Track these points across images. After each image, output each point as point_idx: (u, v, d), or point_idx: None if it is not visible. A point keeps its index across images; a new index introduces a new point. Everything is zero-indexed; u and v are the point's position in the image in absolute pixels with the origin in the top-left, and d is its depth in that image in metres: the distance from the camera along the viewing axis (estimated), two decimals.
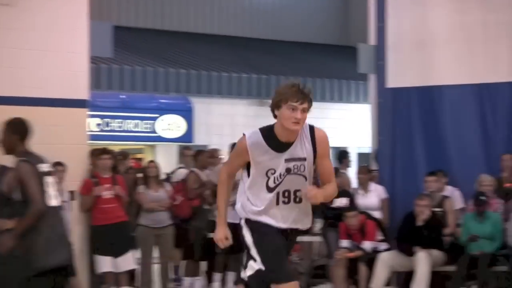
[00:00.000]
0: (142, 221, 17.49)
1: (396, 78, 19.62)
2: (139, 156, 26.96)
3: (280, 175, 7.68)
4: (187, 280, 18.56)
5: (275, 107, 7.85)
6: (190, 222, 18.18)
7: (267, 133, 7.71)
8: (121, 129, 28.12)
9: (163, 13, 30.72)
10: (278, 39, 33.43)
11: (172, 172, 20.69)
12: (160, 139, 29.22)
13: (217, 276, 17.74)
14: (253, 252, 7.88)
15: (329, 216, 17.46)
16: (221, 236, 7.87)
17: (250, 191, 7.84)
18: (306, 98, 7.43)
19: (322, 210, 17.45)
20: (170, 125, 29.50)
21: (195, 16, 32.32)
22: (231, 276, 17.11)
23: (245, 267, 7.83)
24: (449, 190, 17.81)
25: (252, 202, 7.70)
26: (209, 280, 17.57)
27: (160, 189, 17.60)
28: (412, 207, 16.65)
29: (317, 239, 18.50)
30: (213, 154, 20.27)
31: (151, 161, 20.32)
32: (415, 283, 15.94)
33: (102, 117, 24.99)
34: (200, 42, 30.80)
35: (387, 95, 19.82)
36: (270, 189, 7.70)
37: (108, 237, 16.03)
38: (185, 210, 18.04)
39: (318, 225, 17.85)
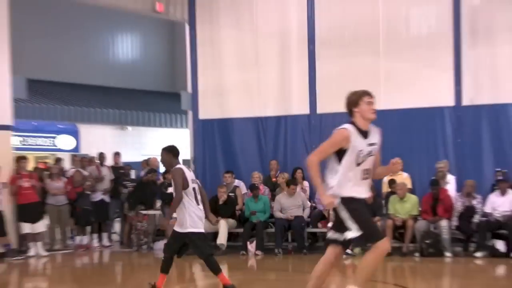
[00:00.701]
0: (49, 201, 23.05)
1: (204, 113, 25.07)
2: (46, 160, 29.56)
3: (364, 156, 9.52)
4: (78, 238, 24.27)
5: (353, 106, 9.86)
6: (76, 202, 23.51)
7: (354, 125, 9.61)
8: (34, 144, 31.60)
9: (60, 68, 30.72)
10: (130, 87, 34.06)
11: (66, 171, 25.50)
12: (59, 150, 32.67)
13: (94, 235, 23.72)
14: (349, 223, 9.59)
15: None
16: (330, 200, 9.51)
17: (345, 170, 9.47)
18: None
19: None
20: (65, 141, 33.55)
21: (81, 70, 31.95)
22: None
23: (344, 235, 9.46)
24: (237, 182, 23.43)
25: (348, 179, 9.33)
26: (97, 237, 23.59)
27: (59, 181, 23.24)
28: (217, 193, 22.03)
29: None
30: (91, 160, 25.55)
31: (54, 163, 25.20)
32: (219, 239, 20.90)
33: (22, 136, 28.58)
34: (81, 89, 31.68)
35: (199, 123, 25.67)
36: (358, 168, 9.53)
37: (27, 211, 21.78)
38: (73, 194, 23.42)
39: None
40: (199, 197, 13.75)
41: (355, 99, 9.82)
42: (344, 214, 9.59)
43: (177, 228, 13.76)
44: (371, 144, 9.68)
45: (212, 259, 13.78)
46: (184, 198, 13.40)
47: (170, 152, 14.30)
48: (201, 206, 13.79)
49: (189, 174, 14.04)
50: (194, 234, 13.50)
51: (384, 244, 9.61)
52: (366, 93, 10.10)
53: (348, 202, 9.50)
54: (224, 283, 13.82)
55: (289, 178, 23.16)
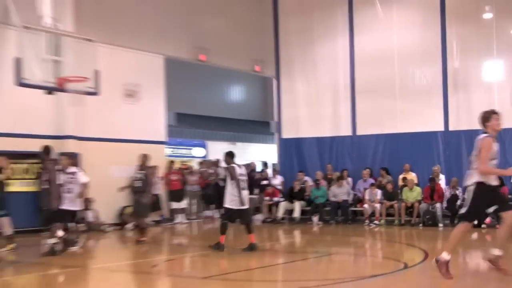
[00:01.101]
0: (188, 188, 27.06)
1: (285, 134, 30.35)
2: (186, 163, 31.74)
3: (497, 155, 11.03)
4: (205, 212, 28.59)
5: (485, 121, 11.19)
6: (204, 189, 28.01)
7: (489, 134, 11.06)
8: (179, 153, 35.18)
9: (196, 106, 34.06)
10: (239, 118, 37.47)
11: (199, 169, 29.42)
12: (194, 157, 36.01)
13: (215, 210, 27.13)
14: (467, 203, 11.17)
15: None
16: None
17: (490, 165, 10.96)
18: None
19: None
20: (198, 152, 37.03)
21: (209, 106, 35.71)
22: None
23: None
24: (306, 178, 27.84)
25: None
26: None
27: (194, 176, 27.47)
28: (293, 185, 26.58)
29: None
30: (214, 163, 28.97)
31: (190, 165, 29.15)
32: (294, 213, 26.06)
33: (171, 148, 31.17)
34: (209, 119, 36.04)
35: (282, 141, 30.58)
36: (492, 162, 11.05)
37: (175, 194, 26.46)
38: (203, 184, 27.83)
39: None
40: (243, 185, 16.65)
41: (487, 116, 11.39)
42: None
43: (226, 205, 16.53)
44: (497, 148, 11.34)
45: (251, 225, 16.90)
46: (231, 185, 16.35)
47: (229, 155, 17.23)
48: (244, 192, 16.55)
49: (239, 170, 16.77)
50: (234, 210, 16.54)
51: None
52: (494, 112, 11.70)
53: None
54: (251, 241, 16.51)
55: (338, 176, 26.97)
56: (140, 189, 19.03)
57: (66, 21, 21.43)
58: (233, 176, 16.39)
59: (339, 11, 28.93)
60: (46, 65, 17.90)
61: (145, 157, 18.68)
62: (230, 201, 16.51)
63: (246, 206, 16.65)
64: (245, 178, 16.81)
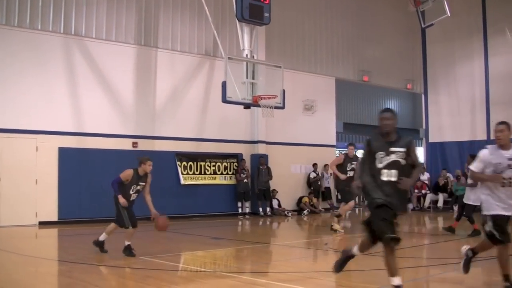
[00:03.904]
0: None
1: (431, 139, 30.54)
2: None
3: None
4: None
5: None
6: None
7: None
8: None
9: (358, 117, 33.15)
10: (375, 124, 40.08)
11: None
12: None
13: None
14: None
15: None
16: None
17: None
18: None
19: None
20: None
21: (363, 117, 34.26)
22: None
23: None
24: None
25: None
26: None
27: None
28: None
29: None
30: None
31: None
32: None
33: (339, 150, 29.11)
34: (369, 127, 34.10)
35: (429, 145, 30.83)
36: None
37: None
38: None
39: None
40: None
41: None
42: None
43: None
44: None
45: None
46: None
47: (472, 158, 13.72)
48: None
49: None
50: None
51: None
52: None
53: None
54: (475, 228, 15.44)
55: None
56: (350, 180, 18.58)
57: (259, 53, 22.80)
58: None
59: (475, 38, 28.90)
60: (245, 87, 18.87)
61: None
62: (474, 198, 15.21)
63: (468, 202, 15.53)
64: None
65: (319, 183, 25.51)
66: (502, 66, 27.77)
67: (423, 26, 28.55)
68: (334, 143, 27.36)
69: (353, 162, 16.30)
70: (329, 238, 16.00)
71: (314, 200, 25.03)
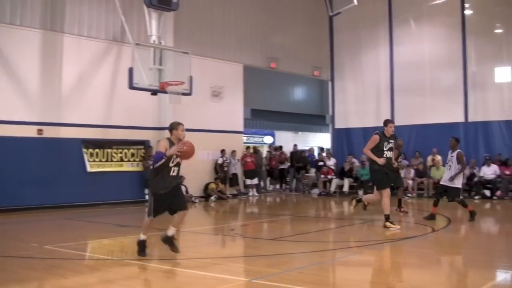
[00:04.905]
0: (263, 169, 27.38)
1: (337, 125, 30.80)
2: (258, 148, 30.82)
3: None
4: (271, 186, 29.00)
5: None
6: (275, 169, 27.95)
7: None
8: (253, 140, 35.70)
9: (267, 103, 34.26)
10: (301, 112, 37.33)
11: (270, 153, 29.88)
12: (265, 143, 36.87)
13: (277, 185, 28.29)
14: None
15: None
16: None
17: None
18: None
19: None
20: (268, 139, 37.84)
21: (278, 103, 36.02)
22: None
23: None
24: (354, 160, 27.92)
25: None
26: None
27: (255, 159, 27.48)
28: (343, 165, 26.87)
29: None
30: (279, 148, 29.90)
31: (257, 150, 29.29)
32: (344, 187, 26.62)
33: (247, 136, 31.39)
34: (276, 114, 36.31)
35: (335, 131, 30.98)
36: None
37: (249, 173, 26.74)
38: (276, 165, 28.38)
39: None
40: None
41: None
42: None
43: None
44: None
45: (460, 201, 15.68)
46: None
47: (457, 140, 15.89)
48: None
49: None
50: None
51: None
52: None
53: None
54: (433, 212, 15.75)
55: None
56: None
57: (167, 39, 22.53)
58: (462, 161, 15.35)
59: (381, 28, 29.53)
60: (152, 73, 18.87)
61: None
62: (459, 181, 15.55)
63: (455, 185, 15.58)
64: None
65: (225, 169, 25.62)
66: (406, 55, 28.73)
67: (330, 14, 28.91)
68: (241, 129, 27.49)
69: (391, 141, 14.08)
70: (236, 223, 16.36)
71: (222, 186, 25.11)
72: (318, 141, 36.29)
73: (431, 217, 15.69)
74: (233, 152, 25.86)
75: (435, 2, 28.14)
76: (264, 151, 32.66)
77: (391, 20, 29.33)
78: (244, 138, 28.24)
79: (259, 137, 36.93)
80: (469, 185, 24.12)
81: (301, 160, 29.25)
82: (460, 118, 27.23)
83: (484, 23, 26.80)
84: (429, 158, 26.22)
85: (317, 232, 13.82)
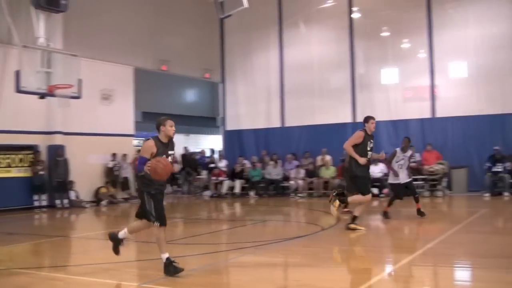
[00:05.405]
0: None
1: (229, 127, 31.03)
2: None
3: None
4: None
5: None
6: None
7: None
8: None
9: (159, 105, 32.52)
10: (192, 114, 35.58)
11: None
12: None
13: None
14: None
15: None
16: None
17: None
18: None
19: None
20: None
21: (168, 106, 33.88)
22: None
23: None
24: (245, 161, 28.14)
25: None
26: None
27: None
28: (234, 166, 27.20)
29: None
30: None
31: None
32: (235, 188, 26.80)
33: (138, 139, 29.60)
34: (169, 116, 38.93)
35: (226, 132, 31.10)
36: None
37: None
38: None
39: None
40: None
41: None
42: None
43: None
44: None
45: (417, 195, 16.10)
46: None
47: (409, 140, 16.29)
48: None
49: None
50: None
51: None
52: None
53: None
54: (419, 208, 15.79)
55: (274, 158, 27.59)
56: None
57: (56, 41, 22.04)
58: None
59: (271, 30, 29.89)
60: (40, 76, 18.57)
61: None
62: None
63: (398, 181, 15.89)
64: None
65: (116, 173, 25.36)
66: (296, 57, 29.17)
67: (221, 16, 28.92)
68: (132, 132, 27.26)
69: (372, 141, 13.35)
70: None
71: (113, 190, 24.84)
72: (210, 143, 35.98)
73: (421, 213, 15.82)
74: (124, 155, 25.43)
75: (323, 6, 28.75)
76: None
77: (281, 23, 29.78)
78: (136, 141, 28.12)
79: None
80: None
81: (192, 162, 29.29)
82: (349, 119, 27.75)
83: (371, 26, 27.54)
84: (319, 158, 26.56)
85: (209, 234, 13.92)
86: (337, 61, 28.33)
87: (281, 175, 26.70)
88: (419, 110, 26.01)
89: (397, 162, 15.87)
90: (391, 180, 16.04)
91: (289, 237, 12.71)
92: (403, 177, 15.82)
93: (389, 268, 9.55)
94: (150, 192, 8.85)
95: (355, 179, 13.18)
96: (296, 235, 13.05)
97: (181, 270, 8.73)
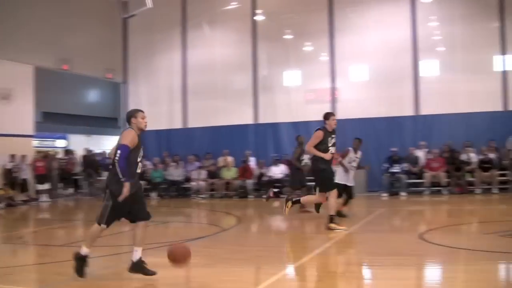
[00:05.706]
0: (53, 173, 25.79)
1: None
2: (50, 152, 30.65)
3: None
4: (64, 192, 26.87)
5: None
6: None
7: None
8: (44, 144, 33.31)
9: (59, 106, 32.93)
10: (94, 115, 36.01)
11: (61, 157, 28.46)
12: (56, 147, 34.63)
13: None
14: None
15: None
16: None
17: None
18: None
19: None
20: (60, 143, 35.38)
21: (72, 106, 34.78)
22: None
23: None
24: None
25: None
26: None
27: (56, 163, 26.38)
28: None
29: None
30: (71, 151, 28.80)
31: (54, 154, 27.80)
32: None
33: (38, 140, 29.76)
34: (70, 116, 34.72)
35: None
36: None
37: (40, 178, 25.56)
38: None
39: None
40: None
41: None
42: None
43: None
44: None
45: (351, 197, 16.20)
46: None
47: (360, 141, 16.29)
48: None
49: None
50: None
51: None
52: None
53: None
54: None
55: (176, 159, 27.26)
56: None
57: None
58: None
59: (175, 31, 29.94)
60: None
61: None
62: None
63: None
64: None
65: (15, 175, 24.77)
66: (199, 58, 29.34)
67: (123, 16, 28.85)
68: (32, 133, 26.77)
69: (333, 136, 13.21)
70: (26, 231, 15.86)
71: (11, 192, 24.16)
72: (111, 144, 35.31)
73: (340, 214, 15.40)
74: (23, 156, 24.79)
75: (227, 7, 28.96)
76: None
77: (185, 24, 29.83)
78: (36, 142, 27.61)
79: (51, 140, 35.80)
80: (259, 185, 25.13)
81: (93, 163, 28.72)
82: (250, 120, 28.09)
83: (274, 29, 28.05)
84: (221, 159, 26.67)
85: (110, 235, 13.79)
86: (240, 63, 28.57)
87: (182, 176, 26.53)
88: (320, 112, 25.24)
89: (349, 162, 15.88)
90: (339, 179, 15.47)
91: (190, 238, 12.70)
92: (351, 179, 15.94)
93: (288, 268, 9.78)
94: (114, 194, 8.46)
95: (321, 173, 13.18)
96: (197, 236, 13.12)
97: (84, 276, 8.71)
